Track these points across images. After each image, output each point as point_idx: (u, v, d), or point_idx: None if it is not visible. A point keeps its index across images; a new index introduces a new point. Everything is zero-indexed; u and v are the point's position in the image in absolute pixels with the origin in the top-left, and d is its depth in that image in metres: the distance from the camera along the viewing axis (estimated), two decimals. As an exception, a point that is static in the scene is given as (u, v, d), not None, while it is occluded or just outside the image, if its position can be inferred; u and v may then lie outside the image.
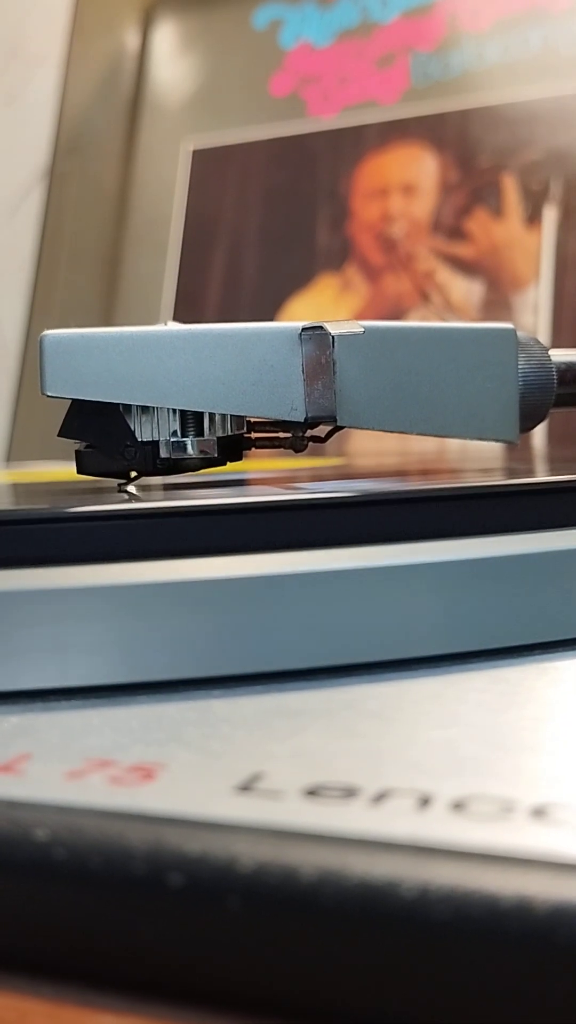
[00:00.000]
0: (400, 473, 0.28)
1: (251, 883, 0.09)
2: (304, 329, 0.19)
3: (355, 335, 0.19)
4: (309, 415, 0.20)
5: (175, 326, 0.20)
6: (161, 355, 0.19)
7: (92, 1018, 0.09)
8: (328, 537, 0.15)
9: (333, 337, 0.19)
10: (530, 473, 0.25)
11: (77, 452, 0.20)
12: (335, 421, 0.20)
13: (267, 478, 0.25)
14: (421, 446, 0.55)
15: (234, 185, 0.63)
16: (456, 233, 0.58)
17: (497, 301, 0.56)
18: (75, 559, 0.14)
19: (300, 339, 0.19)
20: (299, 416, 0.20)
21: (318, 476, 0.26)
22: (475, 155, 0.58)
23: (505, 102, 0.58)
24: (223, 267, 0.62)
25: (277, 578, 0.14)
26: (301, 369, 0.19)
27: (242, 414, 0.20)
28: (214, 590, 0.14)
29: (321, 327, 0.19)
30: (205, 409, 0.19)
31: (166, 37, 0.66)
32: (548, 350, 0.23)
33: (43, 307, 0.65)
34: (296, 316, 0.60)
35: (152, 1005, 0.09)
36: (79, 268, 0.65)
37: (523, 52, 0.58)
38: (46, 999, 0.09)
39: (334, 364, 0.19)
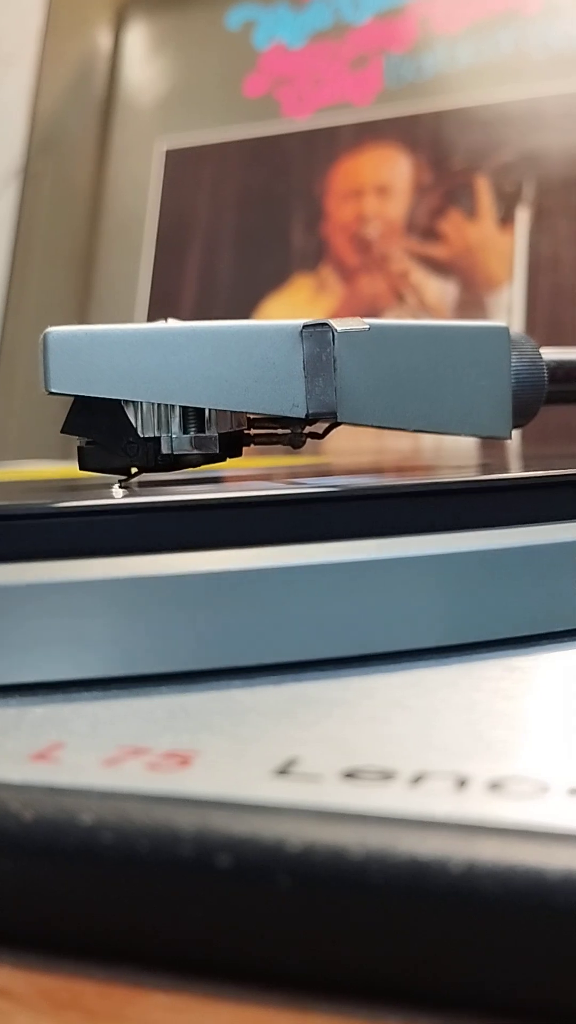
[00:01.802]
0: (400, 469, 0.28)
1: (300, 863, 0.09)
2: (305, 326, 0.20)
3: (356, 332, 0.19)
4: (310, 412, 0.20)
5: (176, 323, 0.20)
6: (163, 352, 0.19)
7: (144, 998, 0.09)
8: (344, 530, 0.15)
9: (334, 334, 0.19)
10: (529, 468, 0.25)
11: (79, 448, 0.21)
12: (336, 418, 0.20)
13: (269, 475, 0.25)
14: (397, 444, 0.56)
15: (208, 185, 0.63)
16: (430, 234, 0.58)
17: (471, 301, 0.57)
18: (95, 552, 0.14)
19: (301, 336, 0.20)
20: (300, 413, 0.20)
21: (315, 472, 0.26)
22: (448, 157, 0.59)
23: (478, 104, 0.58)
24: (198, 267, 0.62)
25: (295, 570, 0.14)
26: (302, 366, 0.20)
27: (243, 410, 0.20)
28: (234, 582, 0.14)
29: (324, 324, 0.19)
30: (207, 405, 0.20)
31: (139, 37, 0.66)
32: (539, 348, 0.24)
33: (16, 307, 0.65)
34: (271, 316, 0.60)
35: (203, 984, 0.09)
36: (52, 268, 0.65)
37: (495, 54, 0.59)
38: (98, 980, 0.09)
39: (335, 361, 0.20)
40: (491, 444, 0.53)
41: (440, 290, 0.58)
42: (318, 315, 0.64)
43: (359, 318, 0.20)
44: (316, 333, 0.20)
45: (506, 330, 0.22)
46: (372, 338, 0.20)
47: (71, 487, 0.23)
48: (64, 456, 0.62)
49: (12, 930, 0.10)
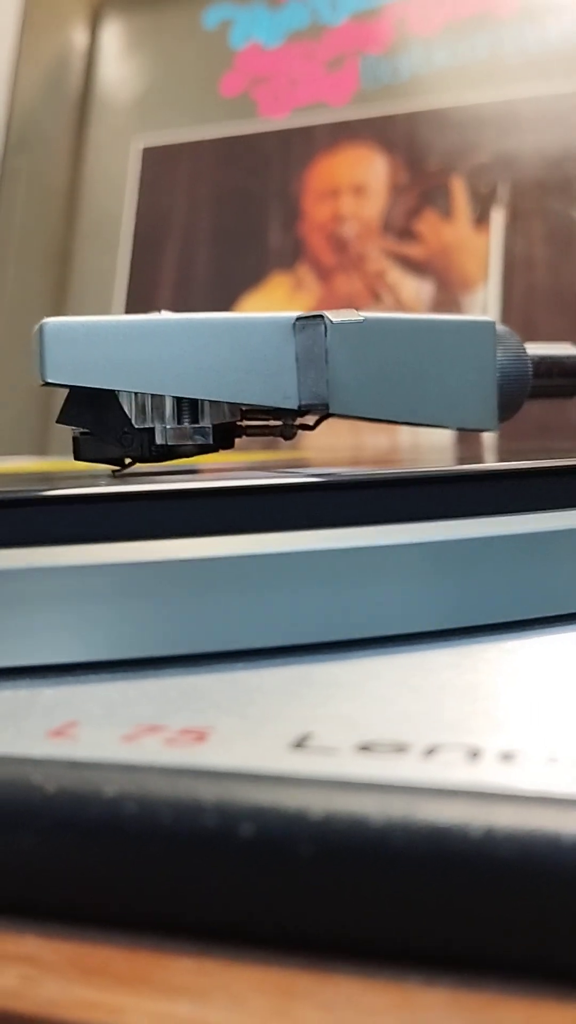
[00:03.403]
0: (390, 461, 0.28)
1: (322, 831, 0.09)
2: (299, 318, 0.20)
3: (349, 324, 0.19)
4: (302, 403, 0.20)
5: (170, 315, 0.20)
6: (159, 343, 0.19)
7: (170, 962, 0.09)
8: (346, 517, 0.16)
9: (326, 326, 0.20)
10: (517, 460, 0.26)
11: (75, 439, 0.21)
12: (327, 409, 0.20)
13: (264, 466, 0.26)
14: (375, 441, 0.56)
15: (185, 184, 0.63)
16: (406, 234, 0.59)
17: (447, 301, 0.57)
18: (101, 537, 0.15)
19: (294, 328, 0.20)
20: (292, 404, 0.20)
21: (307, 463, 0.26)
22: (424, 157, 0.59)
23: (453, 106, 0.59)
24: (175, 265, 0.62)
25: (298, 555, 0.15)
26: (295, 357, 0.20)
27: (236, 401, 0.20)
28: (239, 567, 0.15)
29: (317, 316, 0.20)
30: (201, 396, 0.20)
31: (115, 35, 0.66)
32: (524, 343, 0.24)
33: (-8, 304, 0.65)
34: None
35: (227, 949, 0.09)
36: (29, 266, 0.64)
37: (471, 57, 0.59)
38: (124, 947, 0.10)
39: (327, 353, 0.20)
40: (467, 440, 0.53)
41: (416, 289, 0.58)
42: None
43: (353, 310, 0.20)
44: (309, 325, 0.20)
45: (492, 324, 0.23)
46: (363, 330, 0.20)
47: (67, 478, 0.23)
48: (42, 452, 0.62)
49: (37, 901, 0.10)
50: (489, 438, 0.55)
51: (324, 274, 0.60)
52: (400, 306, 0.58)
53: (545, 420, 0.52)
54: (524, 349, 0.24)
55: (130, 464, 0.21)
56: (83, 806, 0.10)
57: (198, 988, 0.09)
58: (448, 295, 0.58)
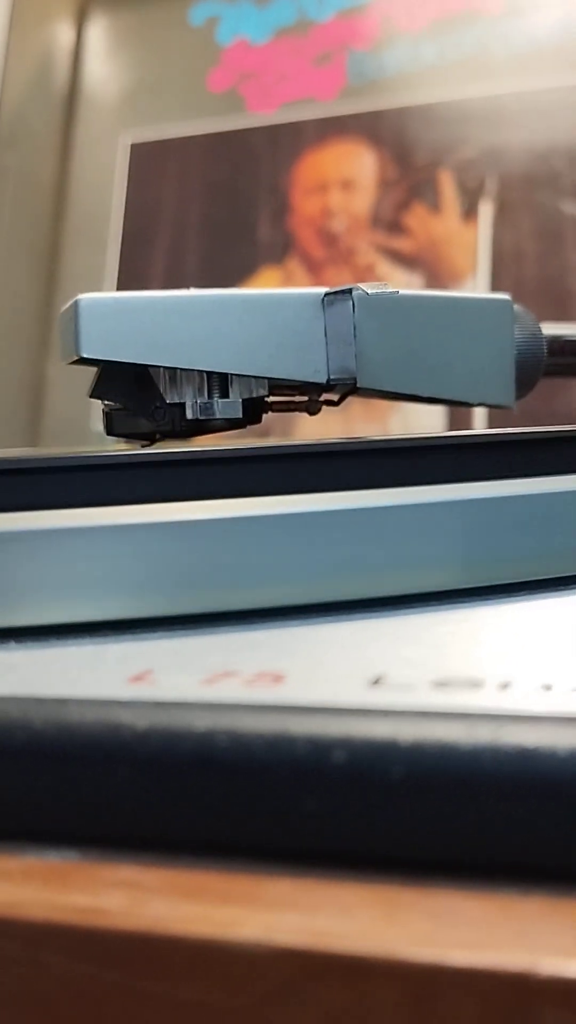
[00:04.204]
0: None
1: (412, 755, 0.10)
2: (328, 293, 0.20)
3: (383, 296, 0.20)
4: (332, 377, 0.21)
5: (200, 291, 0.21)
6: (191, 319, 0.20)
7: (271, 883, 0.10)
8: (371, 479, 0.16)
9: (354, 301, 0.20)
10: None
11: (106, 414, 0.21)
12: (355, 383, 0.21)
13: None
14: (365, 431, 0.57)
15: (174, 179, 0.63)
16: (395, 228, 0.59)
17: (436, 293, 0.58)
18: (157, 497, 0.15)
19: (323, 303, 0.20)
20: (321, 378, 0.21)
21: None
22: (412, 152, 0.60)
23: (440, 101, 0.60)
24: (164, 260, 0.62)
25: (346, 513, 0.15)
26: (324, 332, 0.20)
27: (266, 376, 0.21)
28: (291, 525, 0.15)
29: (346, 291, 0.20)
30: (232, 371, 0.20)
31: (102, 32, 0.67)
32: (538, 323, 0.25)
33: (-19, 300, 0.65)
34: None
35: (323, 870, 0.10)
36: (17, 262, 0.65)
37: (457, 52, 0.60)
38: (220, 872, 0.10)
39: (355, 328, 0.20)
40: (459, 426, 0.54)
41: (406, 283, 0.59)
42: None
43: (384, 283, 0.20)
44: (338, 300, 0.20)
45: (510, 302, 0.23)
46: (389, 306, 0.21)
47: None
48: (32, 444, 0.62)
49: (131, 832, 0.11)
50: (480, 425, 0.55)
51: (314, 268, 0.60)
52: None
53: (534, 410, 0.53)
54: (539, 328, 0.24)
55: (159, 439, 0.21)
56: (175, 742, 0.11)
57: (304, 903, 0.09)
58: (437, 288, 0.58)
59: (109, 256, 0.63)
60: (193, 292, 0.20)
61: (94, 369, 0.20)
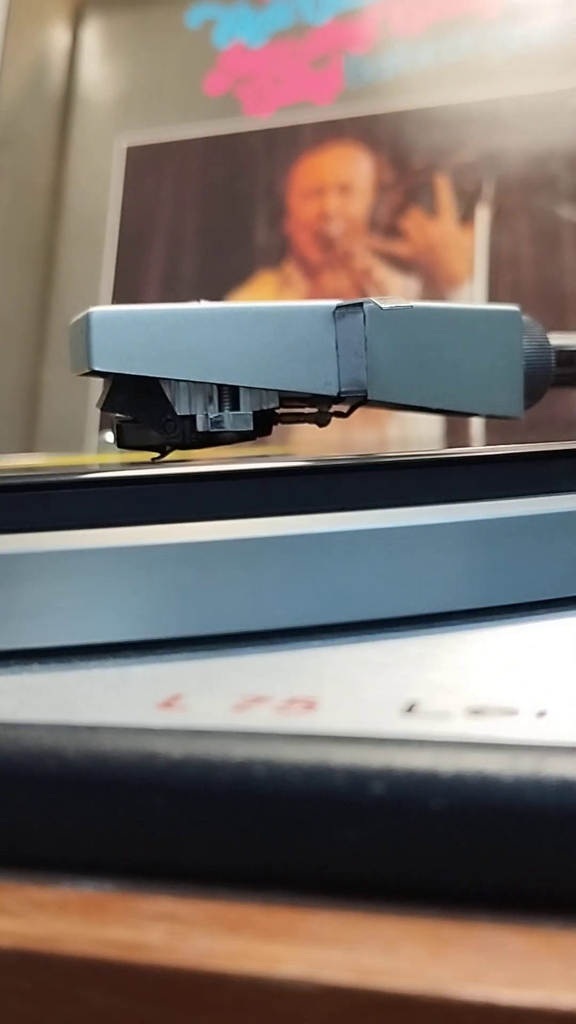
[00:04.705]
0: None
1: (453, 787, 0.10)
2: (339, 306, 0.20)
3: (397, 309, 0.20)
4: (342, 389, 0.20)
5: (211, 304, 0.20)
6: (202, 331, 0.20)
7: (311, 915, 0.10)
8: (394, 496, 0.16)
9: (366, 314, 0.20)
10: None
11: (117, 426, 0.21)
12: (366, 395, 0.21)
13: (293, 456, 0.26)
14: (363, 435, 0.57)
15: (170, 182, 0.63)
16: (392, 232, 0.59)
17: (433, 298, 0.58)
18: (172, 517, 0.15)
19: (334, 316, 0.20)
20: (332, 390, 0.20)
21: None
22: (409, 156, 0.60)
23: (437, 105, 0.59)
24: (161, 264, 0.62)
25: (368, 533, 0.15)
26: (335, 345, 0.20)
27: (278, 388, 0.20)
28: (309, 544, 0.15)
29: (357, 304, 0.20)
30: (243, 383, 0.20)
31: (97, 34, 0.67)
32: (546, 333, 0.25)
33: (-24, 303, 0.64)
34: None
35: (363, 902, 0.10)
36: (12, 266, 0.64)
37: (454, 56, 0.60)
38: (261, 903, 0.10)
39: (366, 340, 0.20)
40: (457, 435, 0.54)
41: (403, 287, 0.59)
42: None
43: (398, 296, 0.20)
44: (349, 313, 0.20)
45: (519, 313, 0.23)
46: (400, 318, 0.20)
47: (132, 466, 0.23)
48: (28, 449, 0.62)
49: (168, 862, 0.10)
50: (478, 433, 0.55)
51: (311, 272, 0.60)
52: (387, 303, 0.58)
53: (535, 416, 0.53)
54: (547, 339, 0.24)
55: (169, 451, 0.21)
56: (211, 772, 0.10)
57: (347, 937, 0.09)
58: (434, 292, 0.58)
59: (105, 260, 0.63)
60: (204, 305, 0.20)
61: (93, 376, 0.20)
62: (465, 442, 0.53)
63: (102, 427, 0.59)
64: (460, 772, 0.10)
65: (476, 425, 0.54)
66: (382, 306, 0.20)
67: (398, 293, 0.59)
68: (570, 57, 0.59)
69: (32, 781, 0.11)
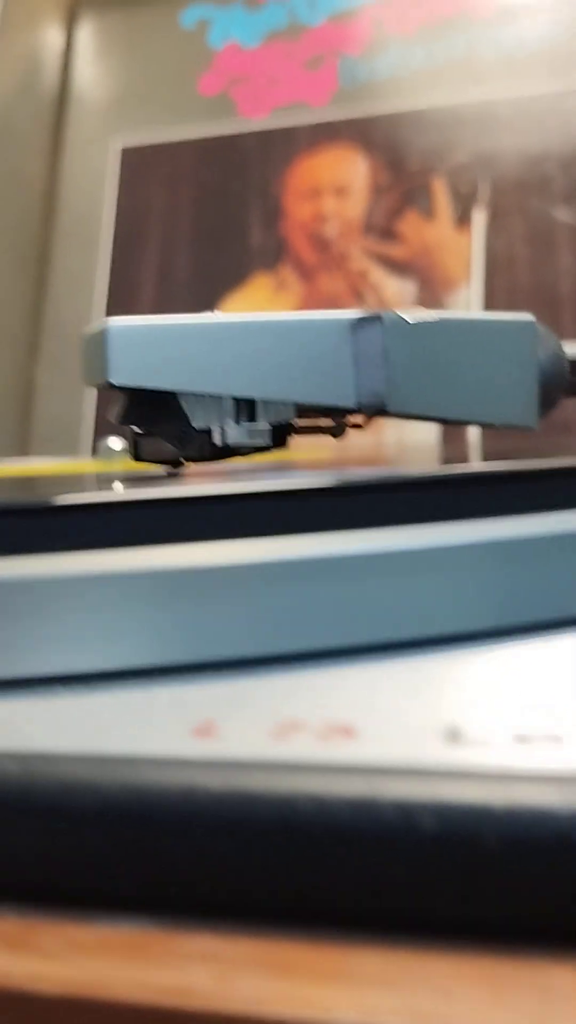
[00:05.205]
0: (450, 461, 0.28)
1: (506, 823, 0.10)
2: (358, 318, 0.20)
3: (426, 323, 0.20)
4: (361, 402, 0.20)
5: (226, 316, 0.20)
6: (219, 344, 0.19)
7: (361, 955, 0.10)
8: (419, 514, 0.16)
9: (385, 325, 0.20)
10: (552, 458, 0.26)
11: (133, 439, 0.21)
12: (384, 408, 0.20)
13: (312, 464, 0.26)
14: (360, 441, 0.56)
15: (165, 183, 0.63)
16: (388, 234, 0.59)
17: (430, 301, 0.58)
18: (194, 537, 0.15)
19: (353, 328, 0.20)
20: (351, 403, 0.20)
21: (321, 465, 0.26)
22: (405, 158, 0.60)
23: (432, 106, 0.59)
24: (156, 265, 0.62)
25: (392, 554, 0.15)
26: (353, 357, 0.20)
27: (295, 401, 0.20)
28: (324, 567, 0.15)
29: (376, 316, 0.20)
30: (260, 396, 0.20)
31: (92, 34, 0.66)
32: (560, 342, 0.24)
33: (-31, 305, 0.64)
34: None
35: (415, 941, 0.10)
36: (6, 266, 0.64)
37: (448, 57, 0.60)
38: (307, 943, 0.10)
39: (385, 352, 0.20)
40: (453, 441, 0.54)
41: (399, 289, 0.58)
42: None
43: (419, 308, 0.20)
44: (367, 324, 0.20)
45: (534, 323, 0.23)
46: (416, 330, 0.20)
47: (146, 478, 0.23)
48: (22, 453, 0.62)
49: (211, 899, 0.10)
50: (474, 438, 0.55)
51: (306, 274, 0.60)
52: (384, 306, 0.58)
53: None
54: (561, 348, 0.24)
55: (182, 465, 0.21)
56: (254, 806, 0.10)
57: (400, 980, 0.09)
58: (431, 294, 0.58)
59: (100, 261, 0.63)
60: (220, 317, 0.20)
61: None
62: (462, 446, 0.53)
63: (97, 429, 0.58)
64: (512, 806, 0.10)
65: (472, 429, 0.53)
66: (408, 319, 0.19)
67: (394, 295, 0.59)
68: (564, 59, 0.59)
69: (67, 814, 0.11)
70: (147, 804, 0.10)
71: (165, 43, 0.64)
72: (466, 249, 0.58)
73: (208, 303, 0.60)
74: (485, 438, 0.55)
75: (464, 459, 0.29)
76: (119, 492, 0.15)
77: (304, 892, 0.10)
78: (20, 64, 0.65)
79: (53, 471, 0.32)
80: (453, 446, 0.54)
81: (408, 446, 0.57)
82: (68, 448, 0.60)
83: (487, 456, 0.35)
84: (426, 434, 0.55)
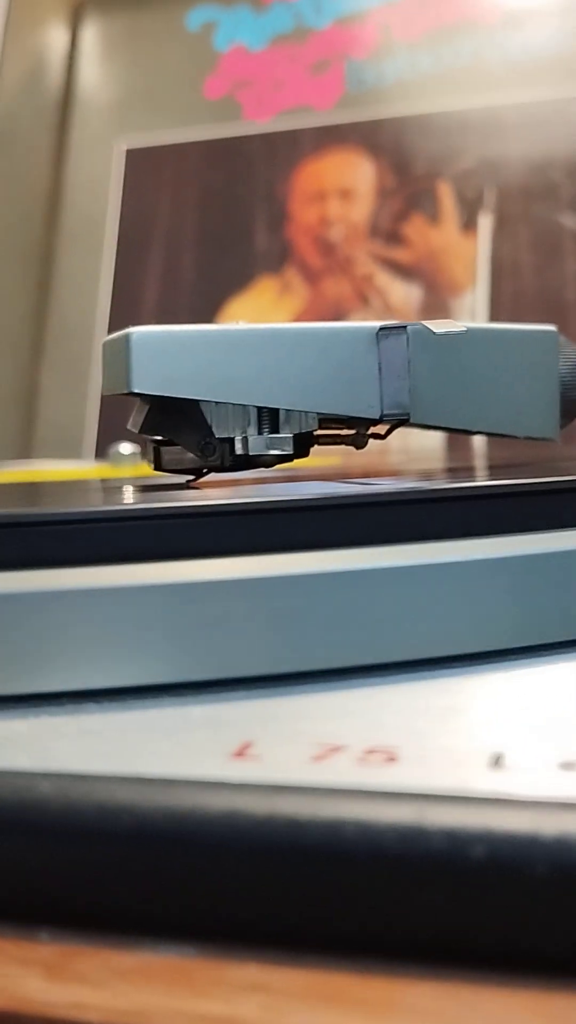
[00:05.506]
0: (456, 470, 0.28)
1: (556, 851, 0.09)
2: (382, 328, 0.20)
3: (453, 334, 0.19)
4: (385, 412, 0.20)
5: (250, 325, 0.20)
6: (243, 353, 0.19)
7: (410, 986, 0.09)
8: (459, 529, 0.16)
9: (409, 336, 0.20)
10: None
11: (154, 448, 0.21)
12: (408, 418, 0.20)
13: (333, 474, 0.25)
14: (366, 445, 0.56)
15: (170, 186, 0.63)
16: (393, 238, 0.59)
17: (435, 305, 0.58)
18: (233, 551, 0.14)
19: (378, 338, 0.20)
20: (375, 413, 0.20)
21: (349, 474, 0.26)
22: (410, 162, 0.59)
23: (438, 111, 0.59)
24: (160, 268, 0.62)
25: (421, 569, 0.15)
26: (378, 367, 0.20)
27: (319, 411, 0.20)
28: (356, 581, 0.14)
29: (402, 326, 0.20)
30: (284, 406, 0.20)
31: (96, 36, 0.66)
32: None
33: (-27, 306, 0.64)
34: (236, 318, 0.60)
35: (463, 971, 0.09)
36: (10, 268, 0.64)
37: (455, 62, 0.60)
38: (354, 972, 0.10)
39: (409, 363, 0.20)
40: (457, 448, 0.54)
41: (405, 293, 0.58)
42: (283, 316, 0.64)
43: (447, 319, 0.20)
44: (392, 335, 0.20)
45: (555, 333, 0.23)
46: (440, 340, 0.20)
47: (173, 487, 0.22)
48: (25, 455, 0.61)
49: (253, 926, 0.10)
50: (480, 443, 0.55)
51: (311, 277, 0.60)
52: (389, 310, 0.58)
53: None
54: (581, 358, 0.24)
55: (206, 474, 0.21)
56: (298, 831, 0.10)
57: (451, 1012, 0.09)
58: (436, 299, 0.58)
59: (104, 263, 0.62)
60: (244, 326, 0.20)
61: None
62: (468, 453, 0.53)
63: (101, 433, 0.58)
64: (562, 835, 0.09)
65: (477, 437, 0.53)
66: (436, 331, 0.19)
67: (400, 299, 0.59)
68: (570, 65, 0.58)
69: (105, 837, 0.11)
70: (188, 828, 0.10)
71: (170, 45, 0.64)
72: (472, 254, 0.58)
73: (212, 306, 0.60)
74: (491, 445, 0.55)
75: (494, 469, 0.29)
76: (158, 503, 0.15)
77: (351, 920, 0.10)
78: (25, 66, 0.64)
79: (74, 475, 0.32)
80: (458, 451, 0.54)
81: (412, 451, 0.57)
82: (71, 452, 0.59)
83: (508, 465, 0.35)
84: (431, 440, 0.55)
